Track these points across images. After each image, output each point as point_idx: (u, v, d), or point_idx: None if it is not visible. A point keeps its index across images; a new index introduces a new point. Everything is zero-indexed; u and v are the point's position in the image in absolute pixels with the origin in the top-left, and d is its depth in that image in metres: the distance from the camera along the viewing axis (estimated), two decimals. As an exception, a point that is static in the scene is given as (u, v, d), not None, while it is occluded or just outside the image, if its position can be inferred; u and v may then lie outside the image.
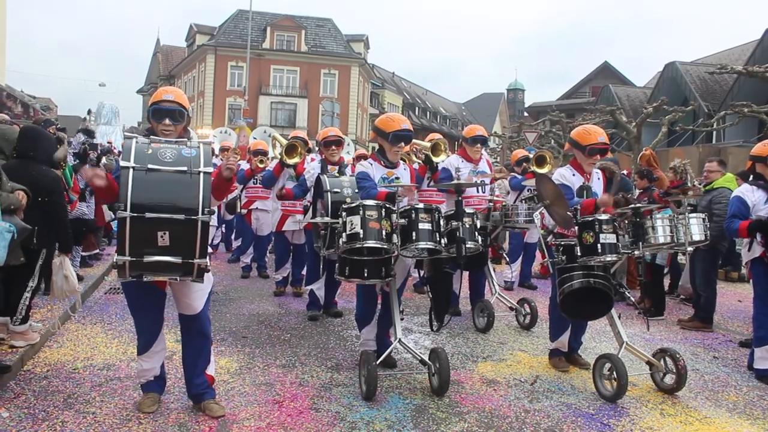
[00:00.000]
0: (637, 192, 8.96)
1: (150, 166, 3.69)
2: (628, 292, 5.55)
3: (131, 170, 3.64)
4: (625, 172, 12.83)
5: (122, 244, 3.62)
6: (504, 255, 8.86)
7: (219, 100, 49.79)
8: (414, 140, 9.83)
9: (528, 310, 6.96)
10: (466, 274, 7.71)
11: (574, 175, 5.45)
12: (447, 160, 7.76)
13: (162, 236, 3.64)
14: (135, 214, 3.57)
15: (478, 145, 7.61)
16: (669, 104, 25.93)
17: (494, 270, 7.59)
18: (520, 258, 9.49)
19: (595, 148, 5.34)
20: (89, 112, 31.34)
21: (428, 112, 72.20)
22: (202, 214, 3.66)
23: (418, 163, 8.51)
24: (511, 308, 7.21)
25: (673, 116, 25.89)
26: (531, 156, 9.57)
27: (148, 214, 3.60)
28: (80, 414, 4.11)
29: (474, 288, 7.48)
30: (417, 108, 69.71)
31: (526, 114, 66.79)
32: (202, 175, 3.73)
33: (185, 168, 3.73)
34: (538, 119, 46.74)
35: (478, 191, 7.41)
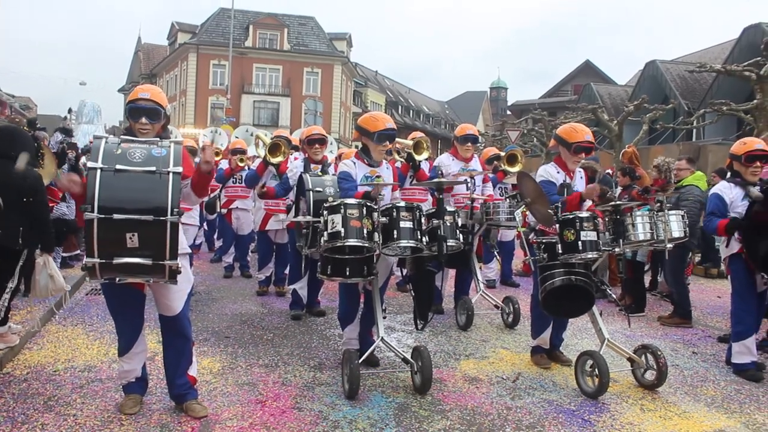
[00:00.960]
0: (619, 189, 9.04)
1: (118, 166, 3.65)
2: (610, 290, 5.60)
3: (99, 171, 3.61)
4: (609, 171, 12.93)
5: (91, 246, 3.60)
6: (495, 252, 8.90)
7: (201, 98, 49.53)
8: (396, 139, 9.86)
9: (511, 309, 6.99)
10: (452, 272, 7.74)
11: (558, 172, 5.49)
12: (438, 159, 7.81)
13: (131, 237, 3.61)
14: (102, 216, 3.55)
15: (469, 143, 7.66)
16: (650, 102, 26.17)
17: (480, 268, 7.62)
18: (497, 255, 9.53)
19: (580, 146, 5.39)
20: (69, 110, 30.99)
21: (411, 111, 72.28)
22: (171, 214, 3.62)
23: (401, 161, 8.54)
24: (495, 306, 7.24)
25: (653, 114, 26.13)
26: (501, 153, 9.62)
27: (116, 216, 3.56)
28: (61, 416, 4.08)
29: (459, 286, 7.50)
30: (400, 106, 69.76)
31: (509, 112, 67.03)
32: (171, 175, 3.69)
33: (154, 168, 3.70)
34: (521, 117, 47.00)
35: (467, 189, 7.44)
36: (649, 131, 27.31)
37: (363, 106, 60.17)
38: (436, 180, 5.45)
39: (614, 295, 5.73)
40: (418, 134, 8.82)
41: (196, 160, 9.86)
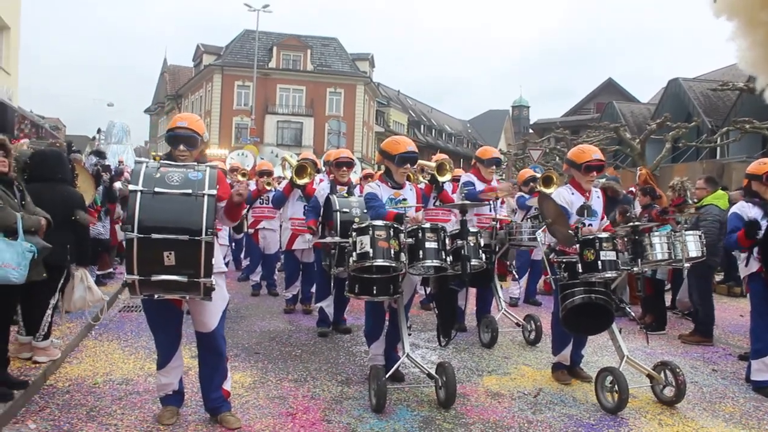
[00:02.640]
0: (639, 208, 9.15)
1: (157, 189, 3.90)
2: (629, 308, 5.73)
3: (139, 193, 3.87)
4: (633, 189, 13.02)
5: (131, 263, 3.84)
6: (513, 272, 9.04)
7: (226, 119, 50.25)
8: (420, 161, 10.09)
9: (533, 326, 7.13)
10: (473, 290, 7.90)
11: (573, 194, 5.65)
12: (466, 176, 7.96)
13: (168, 256, 3.84)
14: (142, 236, 3.79)
15: (494, 167, 7.81)
16: (673, 120, 26.16)
17: (501, 287, 7.77)
18: (527, 275, 9.67)
19: (590, 165, 5.56)
20: (99, 131, 31.60)
21: (434, 130, 72.53)
22: (206, 234, 3.86)
23: (425, 183, 8.74)
24: (517, 324, 7.38)
25: (676, 133, 26.08)
26: (537, 175, 9.77)
27: (154, 235, 3.81)
28: (103, 426, 4.31)
29: (481, 304, 7.65)
30: (422, 126, 70.06)
31: (531, 131, 67.02)
32: (206, 197, 3.93)
33: (190, 190, 3.94)
34: (543, 136, 47.02)
35: (490, 210, 7.61)
36: (672, 149, 27.25)
37: (385, 125, 60.57)
38: (459, 202, 5.64)
39: (633, 314, 5.85)
40: (442, 156, 9.05)
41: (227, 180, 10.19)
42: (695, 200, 8.17)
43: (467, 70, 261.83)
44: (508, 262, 8.26)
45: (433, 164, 8.67)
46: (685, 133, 26.96)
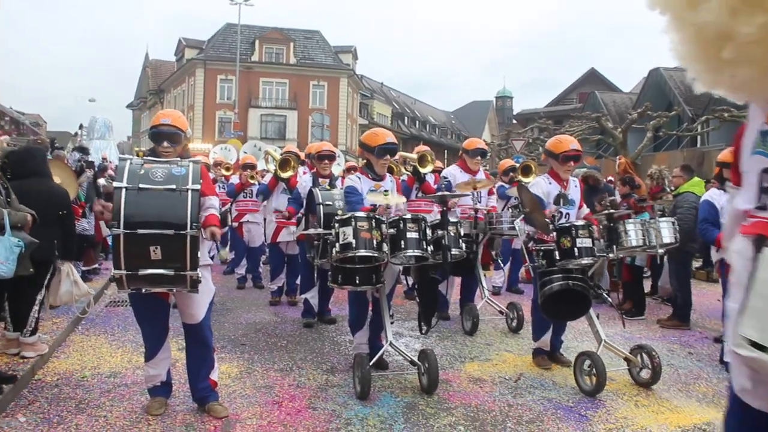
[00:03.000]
0: (619, 198, 9.32)
1: (141, 185, 3.99)
2: (607, 293, 5.88)
3: (124, 190, 3.95)
4: (611, 178, 13.21)
5: (118, 258, 3.93)
6: (499, 261, 9.18)
7: (209, 113, 50.08)
8: (401, 152, 10.20)
9: (515, 314, 7.27)
10: (458, 280, 8.02)
11: (550, 183, 5.79)
12: (447, 171, 8.07)
13: (154, 250, 3.93)
14: (128, 231, 3.88)
15: (479, 157, 7.91)
16: (654, 109, 26.42)
17: (484, 275, 7.90)
18: (509, 263, 9.82)
19: (568, 155, 5.70)
20: (81, 126, 31.43)
21: (417, 122, 72.62)
22: (191, 228, 3.95)
23: (407, 174, 8.86)
24: (500, 312, 7.53)
25: (657, 121, 26.34)
26: (517, 165, 9.91)
27: (140, 230, 3.90)
28: (92, 417, 4.39)
29: (465, 293, 7.78)
30: (406, 117, 70.14)
31: (514, 121, 67.25)
32: (190, 192, 4.02)
33: (174, 186, 4.03)
34: (527, 126, 47.24)
35: (473, 201, 7.72)
36: (654, 138, 27.52)
37: (369, 117, 60.58)
38: (439, 193, 5.76)
39: (611, 300, 5.99)
40: (423, 148, 9.16)
41: (210, 174, 10.24)
42: (672, 188, 8.34)
43: (450, 61, 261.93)
44: (494, 252, 8.38)
45: (414, 156, 8.80)
46: (666, 122, 27.23)
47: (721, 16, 1.70)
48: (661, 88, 35.15)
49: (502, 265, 9.41)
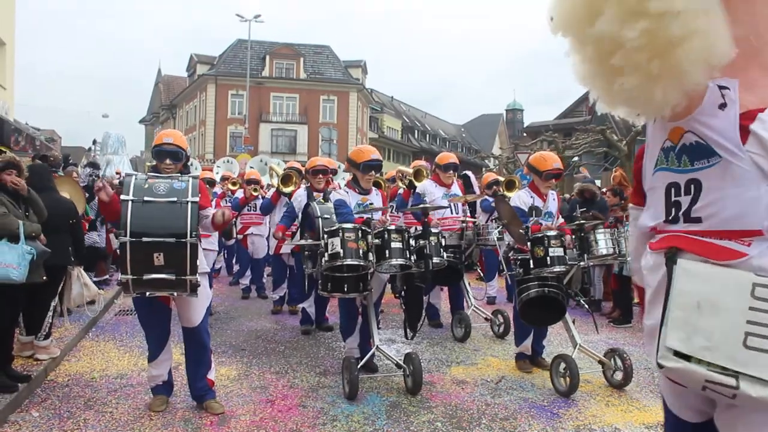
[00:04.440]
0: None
1: (146, 198, 4.43)
2: (583, 300, 6.22)
3: (130, 202, 4.38)
4: (604, 190, 13.51)
5: (124, 264, 4.35)
6: (478, 270, 9.53)
7: (220, 128, 50.72)
8: (400, 168, 10.59)
9: (501, 320, 7.61)
10: (446, 289, 8.37)
11: (531, 196, 6.15)
12: (420, 186, 8.39)
13: (157, 257, 4.35)
14: (134, 239, 4.29)
15: (450, 171, 8.23)
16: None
17: (469, 284, 8.24)
18: (497, 275, 10.14)
19: (550, 173, 6.07)
20: (94, 142, 31.94)
21: (428, 135, 73.01)
22: (190, 237, 4.36)
23: (403, 188, 9.24)
24: (486, 319, 7.87)
25: (662, 134, 26.57)
26: (501, 180, 10.27)
27: (144, 239, 4.32)
28: (99, 413, 4.78)
29: (453, 302, 8.14)
30: (416, 131, 70.57)
31: (524, 134, 67.48)
32: (190, 204, 4.44)
33: (176, 198, 4.46)
34: (536, 139, 47.57)
35: (451, 212, 8.06)
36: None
37: (379, 131, 61.06)
38: (421, 206, 6.15)
39: (586, 305, 6.32)
40: (419, 163, 9.55)
41: (215, 190, 10.67)
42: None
43: (461, 74, 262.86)
44: (473, 261, 8.70)
45: (410, 170, 9.18)
46: (671, 134, 27.47)
47: (614, 25, 1.89)
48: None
49: (483, 277, 9.75)
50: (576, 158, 34.77)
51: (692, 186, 2.08)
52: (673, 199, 2.15)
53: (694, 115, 2.05)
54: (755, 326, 1.85)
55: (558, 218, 6.35)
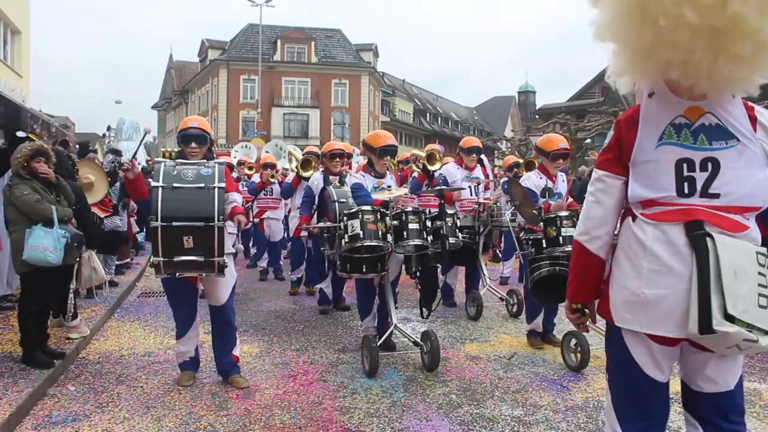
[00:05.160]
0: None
1: (175, 184, 4.66)
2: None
3: (160, 189, 4.61)
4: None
5: (156, 247, 4.59)
6: (498, 252, 9.71)
7: (232, 113, 50.97)
8: (413, 151, 10.77)
9: (515, 300, 7.82)
10: (462, 269, 8.58)
11: (541, 178, 6.33)
12: (444, 168, 8.63)
13: (187, 240, 4.59)
14: (164, 224, 4.53)
15: (474, 155, 8.43)
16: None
17: (485, 265, 8.45)
18: (514, 256, 10.33)
19: (557, 153, 6.24)
20: (108, 128, 32.19)
21: (440, 118, 72.98)
22: (218, 221, 4.59)
23: (418, 171, 9.43)
24: (501, 299, 8.08)
25: (675, 115, 26.50)
26: (521, 162, 10.43)
27: (174, 223, 4.56)
28: (131, 388, 5.03)
29: (469, 282, 8.35)
30: (428, 114, 70.55)
31: (537, 117, 67.25)
32: (216, 189, 4.66)
33: (203, 184, 4.69)
34: (549, 121, 47.49)
35: (471, 195, 8.25)
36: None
37: (391, 114, 61.12)
38: (438, 188, 6.32)
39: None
40: (432, 146, 9.73)
41: (233, 174, 10.89)
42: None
43: (472, 56, 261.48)
44: (492, 242, 8.91)
45: (423, 154, 9.37)
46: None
47: (755, 15, 1.96)
48: (680, 81, 35.24)
49: (501, 257, 9.92)
50: (588, 140, 34.82)
51: (709, 164, 2.26)
52: (685, 174, 2.28)
53: (719, 100, 2.26)
54: (763, 288, 2.13)
55: (567, 199, 6.52)
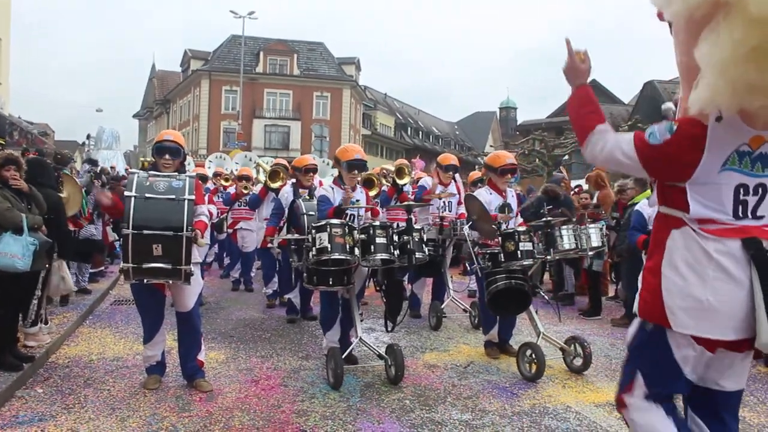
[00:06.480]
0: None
1: (147, 195, 4.92)
2: (543, 292, 6.71)
3: (133, 198, 4.86)
4: (575, 190, 13.97)
5: (126, 254, 4.84)
6: (465, 264, 9.99)
7: (214, 123, 51.09)
8: (383, 166, 11.05)
9: (477, 312, 8.08)
10: (430, 281, 8.85)
11: (491, 194, 6.62)
12: (423, 180, 8.96)
13: (156, 248, 4.85)
14: (135, 231, 4.78)
15: (450, 172, 8.73)
16: (648, 122, 27.18)
17: (452, 278, 8.72)
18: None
19: (505, 168, 6.55)
20: (88, 137, 32.22)
21: (421, 132, 73.40)
22: (186, 231, 4.84)
23: (387, 185, 9.70)
24: (464, 310, 8.35)
25: (648, 134, 27.04)
26: (485, 178, 10.74)
27: (145, 231, 4.81)
28: (98, 390, 5.23)
29: (434, 293, 8.62)
30: (409, 128, 70.99)
31: (517, 132, 67.84)
32: (186, 201, 4.93)
33: (174, 196, 4.95)
34: (527, 137, 48.08)
35: (446, 210, 8.55)
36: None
37: (372, 128, 61.48)
38: (406, 203, 6.56)
39: (546, 296, 6.81)
40: (401, 161, 10.03)
41: (207, 186, 11.09)
42: (626, 199, 9.13)
43: (454, 72, 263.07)
44: (462, 256, 9.18)
45: (393, 168, 9.66)
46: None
47: None
48: (655, 100, 35.90)
49: (469, 268, 10.18)
50: (567, 156, 35.33)
51: (760, 189, 2.48)
52: (741, 197, 2.46)
53: None
54: None
55: (517, 216, 6.81)
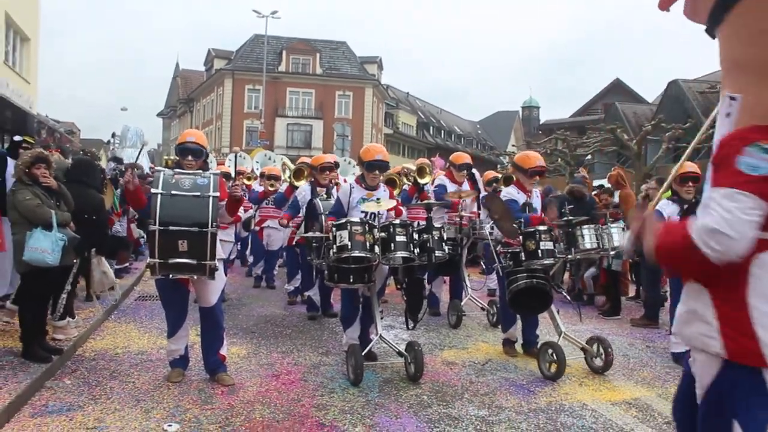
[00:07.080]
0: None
1: (173, 192, 5.05)
2: (564, 292, 6.72)
3: (159, 195, 4.98)
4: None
5: (153, 249, 4.98)
6: (482, 263, 10.04)
7: (237, 122, 51.45)
8: (404, 165, 11.12)
9: (495, 310, 8.12)
10: (448, 280, 8.90)
11: (518, 193, 6.65)
12: (438, 179, 9.00)
13: (182, 244, 4.98)
14: (162, 228, 4.91)
15: (464, 171, 8.79)
16: (673, 121, 26.94)
17: (469, 276, 8.77)
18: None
19: (534, 170, 6.57)
20: (113, 135, 32.51)
21: (443, 131, 73.32)
22: (211, 227, 4.97)
23: (408, 184, 9.76)
24: (482, 308, 8.40)
25: (673, 133, 26.78)
26: (500, 177, 10.77)
27: (171, 228, 4.95)
28: (123, 383, 5.36)
29: (453, 291, 8.68)
30: (431, 127, 70.93)
31: (540, 132, 67.47)
32: (211, 198, 5.05)
33: (199, 193, 5.08)
34: (549, 136, 47.80)
35: (459, 208, 8.59)
36: (675, 149, 27.80)
37: (394, 127, 61.54)
38: (425, 202, 6.61)
39: (568, 296, 6.83)
40: (422, 160, 10.08)
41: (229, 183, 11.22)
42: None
43: (477, 71, 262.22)
44: (477, 255, 9.23)
45: (414, 168, 9.72)
46: (682, 134, 27.63)
47: None
48: (679, 100, 35.51)
49: (485, 269, 10.23)
50: (589, 156, 35.14)
51: None
52: None
53: None
54: None
55: (541, 215, 6.83)
